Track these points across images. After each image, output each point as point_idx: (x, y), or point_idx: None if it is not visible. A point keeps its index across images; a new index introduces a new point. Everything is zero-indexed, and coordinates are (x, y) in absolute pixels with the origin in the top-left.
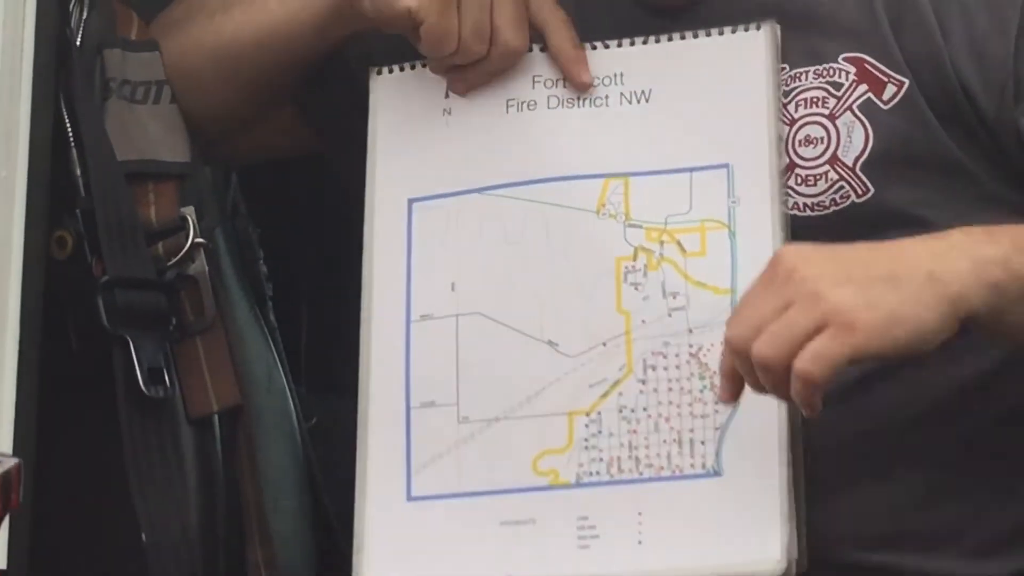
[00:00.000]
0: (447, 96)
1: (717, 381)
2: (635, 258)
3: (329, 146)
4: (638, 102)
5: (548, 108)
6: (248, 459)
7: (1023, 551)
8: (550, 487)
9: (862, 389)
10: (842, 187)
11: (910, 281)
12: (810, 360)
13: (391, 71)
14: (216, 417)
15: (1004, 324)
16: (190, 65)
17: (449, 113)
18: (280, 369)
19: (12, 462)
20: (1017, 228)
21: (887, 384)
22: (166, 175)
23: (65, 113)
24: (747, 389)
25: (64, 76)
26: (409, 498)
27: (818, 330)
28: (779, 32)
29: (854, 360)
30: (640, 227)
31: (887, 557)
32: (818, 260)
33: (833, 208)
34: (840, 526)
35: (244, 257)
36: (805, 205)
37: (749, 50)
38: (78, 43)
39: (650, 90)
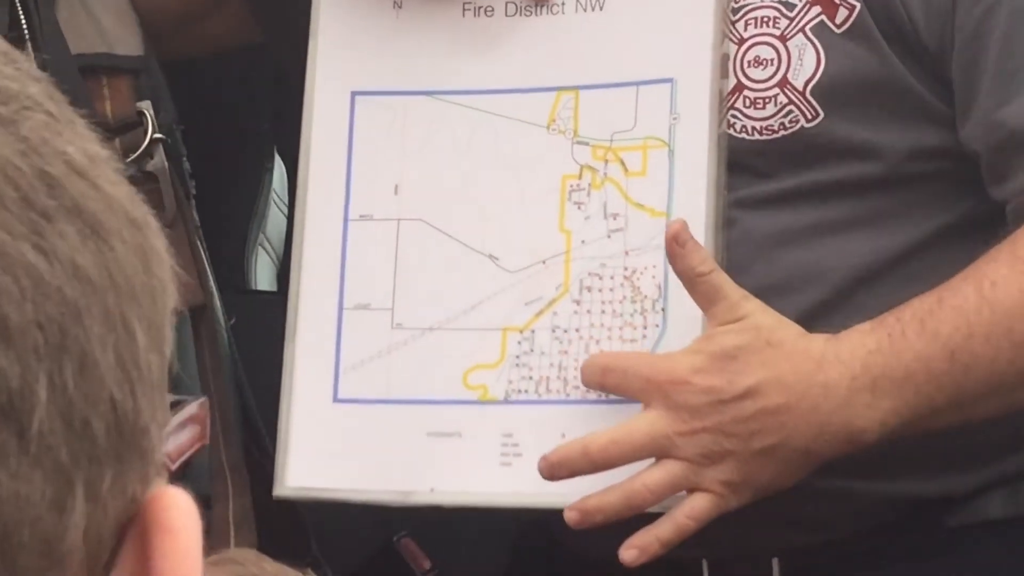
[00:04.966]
0: None
1: (648, 306)
2: (580, 176)
3: (272, 35)
4: (592, 10)
5: (506, 16)
6: (212, 360)
7: (987, 466)
8: (479, 402)
9: (821, 315)
10: (791, 111)
11: (786, 458)
12: (689, 518)
13: None
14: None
15: None
16: None
17: (399, 7)
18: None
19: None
20: (911, 373)
21: (846, 311)
22: (120, 69)
23: (19, 6)
24: (675, 310)
25: None
26: (335, 399)
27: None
28: None
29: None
30: (587, 144)
31: (848, 481)
32: (704, 423)
33: (782, 132)
34: None
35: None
36: (754, 128)
37: None
38: None
39: None
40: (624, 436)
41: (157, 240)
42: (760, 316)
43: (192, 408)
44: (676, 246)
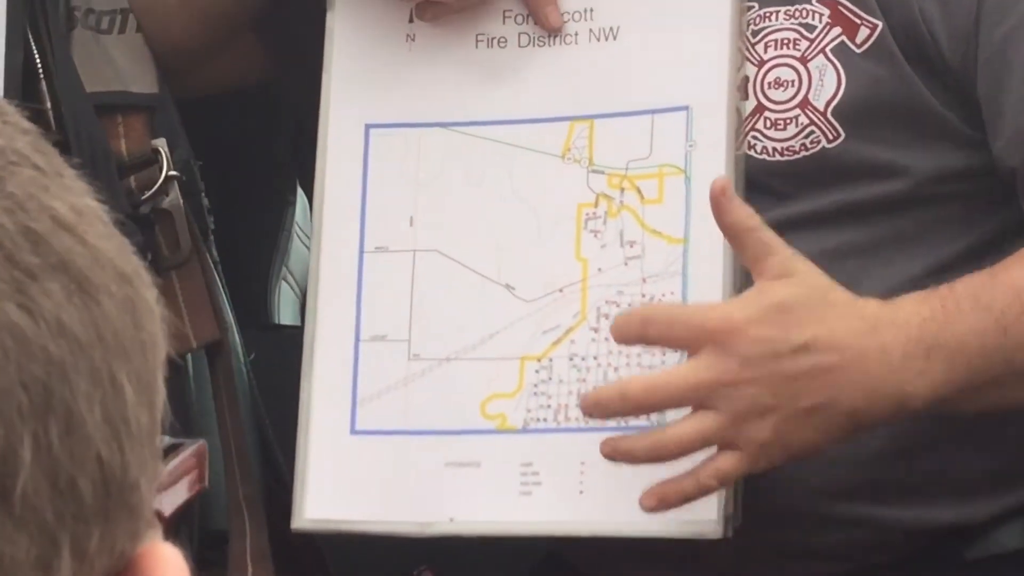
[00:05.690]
0: (411, 21)
1: None
2: (596, 205)
3: (284, 70)
4: (606, 39)
5: (519, 47)
6: (228, 396)
7: (1004, 494)
8: (497, 431)
9: None
10: (812, 132)
11: (829, 418)
12: (713, 477)
13: None
14: (189, 356)
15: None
16: None
17: (413, 39)
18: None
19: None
20: (964, 344)
21: None
22: (135, 106)
23: (33, 44)
24: None
25: (30, 5)
26: (353, 431)
27: (724, 445)
28: None
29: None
30: (602, 173)
31: (864, 508)
32: (754, 374)
33: (803, 153)
34: (815, 478)
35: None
36: (774, 150)
37: None
38: None
39: (618, 27)
40: (664, 382)
41: (148, 292)
42: (813, 275)
43: (186, 453)
44: (724, 199)
